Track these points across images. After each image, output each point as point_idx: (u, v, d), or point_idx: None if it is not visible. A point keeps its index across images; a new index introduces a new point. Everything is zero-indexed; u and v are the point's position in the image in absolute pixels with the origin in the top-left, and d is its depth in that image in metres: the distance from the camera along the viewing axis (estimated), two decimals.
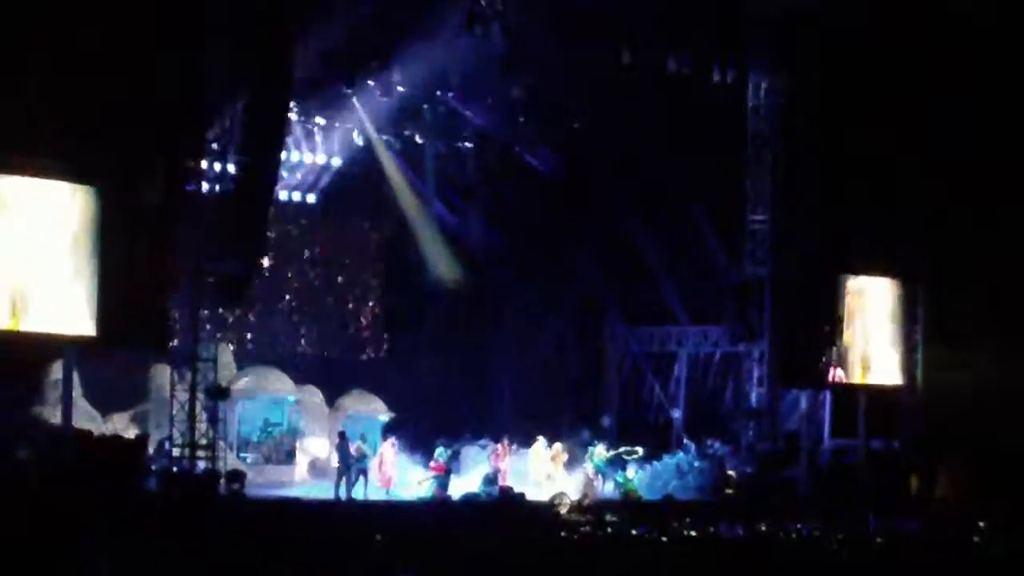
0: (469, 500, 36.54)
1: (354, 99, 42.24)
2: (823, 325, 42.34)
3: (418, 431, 40.73)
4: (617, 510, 35.28)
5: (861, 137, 41.25)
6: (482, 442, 41.30)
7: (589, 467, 40.25)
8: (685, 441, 43.86)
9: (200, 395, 34.82)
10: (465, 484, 38.20)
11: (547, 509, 35.73)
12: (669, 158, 43.69)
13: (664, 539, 29.58)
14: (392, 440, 39.24)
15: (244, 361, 41.46)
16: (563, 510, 35.43)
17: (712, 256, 44.56)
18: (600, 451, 40.49)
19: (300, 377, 42.22)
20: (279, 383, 41.50)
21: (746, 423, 43.35)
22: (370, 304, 47.12)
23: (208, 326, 35.53)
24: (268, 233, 40.27)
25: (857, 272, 43.10)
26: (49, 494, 30.33)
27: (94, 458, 32.45)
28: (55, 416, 34.55)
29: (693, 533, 31.18)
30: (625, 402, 47.33)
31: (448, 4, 39.46)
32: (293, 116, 40.06)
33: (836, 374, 42.50)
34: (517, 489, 37.27)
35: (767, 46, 42.07)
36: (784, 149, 42.39)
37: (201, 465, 34.62)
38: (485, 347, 46.20)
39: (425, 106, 43.68)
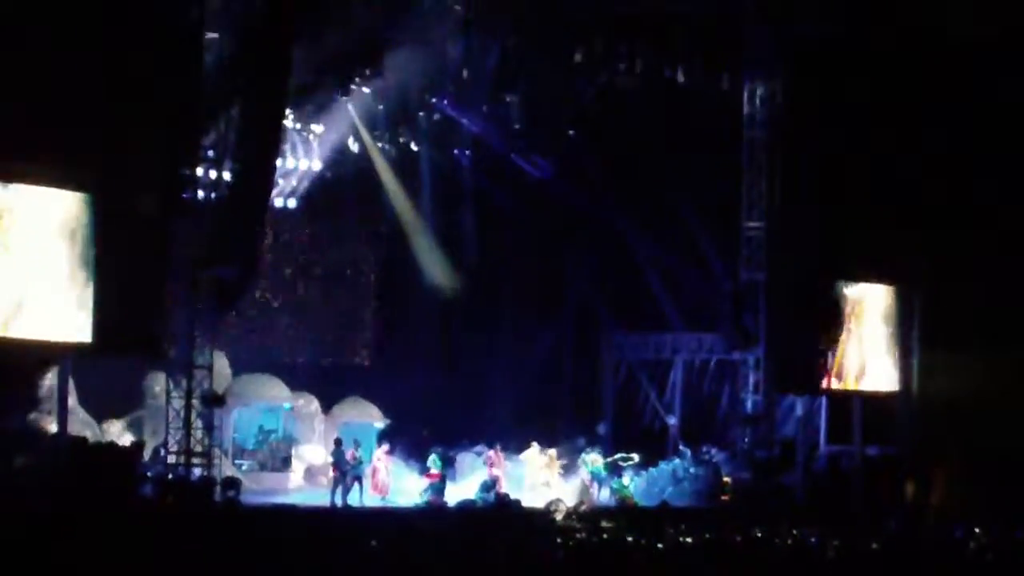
0: (465, 507, 36.55)
1: (348, 105, 42.28)
2: (819, 332, 42.34)
3: (413, 438, 40.74)
4: (613, 517, 35.26)
5: (857, 143, 41.25)
6: (477, 449, 41.33)
7: (585, 474, 40.25)
8: (681, 447, 43.83)
9: (196, 402, 34.82)
10: (461, 491, 38.20)
11: (543, 515, 35.71)
12: (665, 164, 43.72)
13: (660, 546, 29.50)
14: (385, 447, 39.26)
15: (240, 368, 41.43)
16: (559, 516, 35.42)
17: (708, 262, 44.53)
18: (594, 458, 40.48)
19: (295, 384, 42.27)
20: (275, 390, 41.55)
21: (742, 429, 43.36)
22: (365, 311, 47.11)
23: (204, 333, 35.41)
24: (264, 240, 40.33)
25: (853, 278, 43.11)
26: (45, 501, 30.33)
27: (90, 465, 32.45)
28: (51, 423, 34.53)
29: (689, 540, 31.12)
30: (621, 409, 47.29)
31: (442, 11, 39.51)
32: (288, 123, 40.04)
33: (831, 380, 42.52)
34: (513, 495, 37.28)
35: (763, 51, 42.10)
36: (780, 155, 42.39)
37: (197, 472, 34.62)
38: (481, 354, 46.18)
39: (420, 113, 43.70)
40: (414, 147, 44.55)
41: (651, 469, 42.17)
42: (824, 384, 42.42)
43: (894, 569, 28.21)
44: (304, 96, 39.95)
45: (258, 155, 35.67)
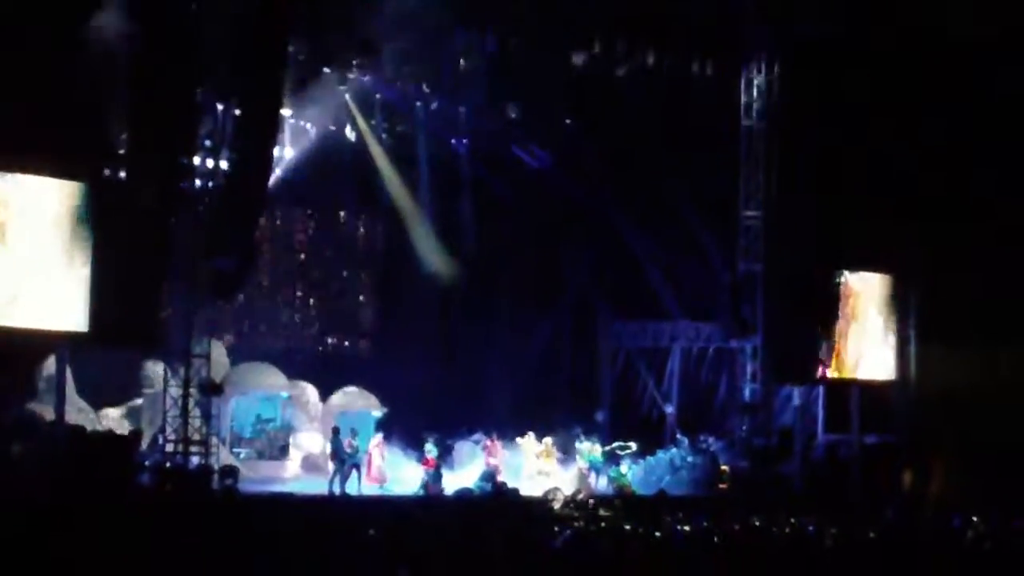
0: (463, 495, 36.56)
1: (346, 95, 42.25)
2: (816, 321, 42.38)
3: (411, 427, 40.75)
4: (611, 505, 35.29)
5: (855, 133, 41.25)
6: (475, 437, 41.34)
7: (582, 462, 40.28)
8: (678, 436, 43.84)
9: (193, 391, 34.80)
10: (459, 479, 38.23)
11: (540, 504, 35.74)
12: (662, 154, 43.68)
13: (658, 534, 29.51)
14: (381, 436, 39.29)
15: (237, 357, 41.43)
16: (556, 505, 35.43)
17: (705, 251, 44.52)
18: (591, 446, 40.51)
19: (293, 373, 42.28)
20: (272, 379, 41.56)
21: (740, 418, 43.39)
22: (363, 300, 47.11)
23: (201, 322, 35.41)
24: (260, 229, 40.33)
25: (851, 268, 43.18)
26: (42, 490, 30.34)
27: (87, 453, 32.45)
28: (48, 411, 34.55)
29: (687, 528, 31.14)
30: (619, 397, 47.32)
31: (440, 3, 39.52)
32: (286, 112, 40.00)
33: (829, 369, 42.57)
34: (511, 484, 37.30)
35: (760, 41, 42.09)
36: (777, 145, 42.39)
37: (194, 460, 34.62)
38: (478, 343, 46.18)
39: (418, 103, 43.65)
40: (411, 136, 44.48)
41: (649, 458, 42.23)
42: (821, 373, 42.47)
43: (892, 558, 28.22)
44: (301, 85, 39.89)
45: (256, 145, 35.64)
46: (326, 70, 40.21)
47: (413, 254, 45.25)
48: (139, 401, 39.17)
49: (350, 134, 43.60)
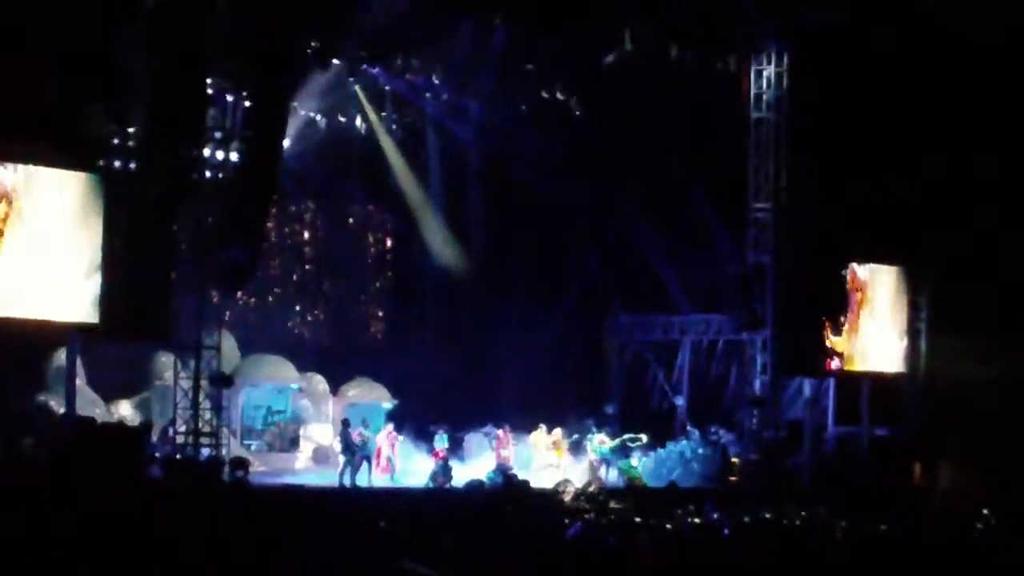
0: (473, 487, 36.55)
1: (356, 87, 42.27)
2: (827, 313, 42.33)
3: (421, 419, 40.77)
4: (621, 497, 35.29)
5: (865, 123, 41.17)
6: (485, 429, 41.36)
7: (592, 454, 40.28)
8: (689, 428, 43.83)
9: (204, 382, 34.79)
10: (469, 471, 38.23)
11: (551, 496, 35.74)
12: (671, 146, 43.65)
13: (668, 526, 29.52)
14: (390, 427, 39.32)
15: (248, 349, 41.45)
16: (567, 497, 35.43)
17: (715, 244, 44.47)
18: (601, 439, 40.51)
19: (303, 365, 42.31)
20: (283, 371, 41.59)
21: (750, 411, 43.32)
22: (373, 292, 47.14)
23: (212, 314, 35.42)
24: (271, 220, 40.35)
25: (861, 259, 43.13)
26: (53, 481, 30.36)
27: (97, 445, 32.46)
28: (59, 403, 34.58)
29: (697, 520, 31.14)
30: (629, 389, 47.32)
31: None
32: (296, 103, 40.00)
33: (839, 362, 42.54)
34: (521, 476, 37.30)
35: (770, 31, 42.03)
36: (787, 136, 42.33)
37: (205, 452, 34.61)
38: (488, 335, 46.19)
39: (427, 94, 43.64)
40: (421, 127, 44.48)
41: (659, 450, 42.24)
42: (831, 365, 42.44)
43: (901, 551, 28.21)
44: (311, 77, 39.90)
45: (266, 136, 35.63)
46: (336, 62, 40.19)
47: (423, 246, 45.28)
48: (149, 393, 39.20)
49: (360, 126, 43.61)
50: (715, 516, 30.83)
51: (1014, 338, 41.92)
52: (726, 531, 28.39)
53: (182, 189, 34.30)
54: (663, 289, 46.38)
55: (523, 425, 40.82)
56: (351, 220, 46.46)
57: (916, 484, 42.00)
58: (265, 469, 38.10)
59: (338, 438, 38.19)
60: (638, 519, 29.88)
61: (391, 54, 40.97)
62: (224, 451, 34.96)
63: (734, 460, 41.72)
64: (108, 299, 32.74)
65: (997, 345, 41.92)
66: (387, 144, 44.10)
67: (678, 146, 43.53)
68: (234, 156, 35.40)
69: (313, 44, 38.43)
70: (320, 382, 42.47)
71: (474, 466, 39.13)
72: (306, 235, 45.74)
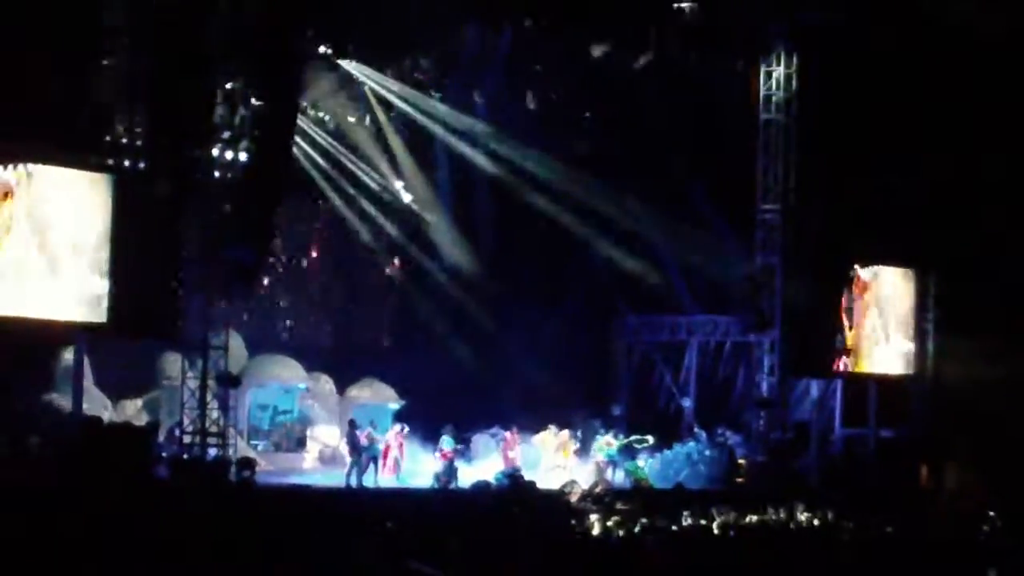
0: (480, 488, 36.54)
1: (365, 87, 42.29)
2: (834, 314, 42.32)
3: (428, 420, 40.76)
4: (628, 499, 35.28)
5: (873, 125, 41.15)
6: (492, 431, 41.36)
7: (599, 456, 40.27)
8: (696, 430, 43.85)
9: (211, 383, 34.79)
10: (476, 472, 38.22)
11: (558, 497, 35.73)
12: (680, 147, 43.64)
13: (675, 528, 29.57)
14: (399, 427, 39.32)
15: (255, 349, 41.46)
16: (573, 498, 35.41)
17: (722, 245, 44.45)
18: (608, 440, 40.50)
19: (311, 365, 42.28)
20: (290, 371, 41.57)
21: (757, 412, 43.33)
22: (381, 292, 47.13)
23: (219, 313, 35.42)
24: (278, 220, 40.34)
25: (869, 261, 43.11)
26: (59, 480, 30.38)
27: (104, 445, 32.46)
28: (66, 403, 34.59)
29: (703, 521, 31.17)
30: (635, 391, 47.31)
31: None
32: (304, 103, 40.01)
33: (846, 363, 42.52)
34: (529, 477, 37.29)
35: (779, 33, 42.03)
36: (795, 137, 42.33)
37: (212, 452, 34.62)
38: (496, 335, 46.14)
39: (436, 94, 43.65)
40: (429, 128, 44.49)
41: (666, 451, 42.21)
42: (839, 367, 42.42)
43: (908, 552, 28.23)
44: (319, 77, 39.93)
45: (274, 136, 35.64)
46: (344, 62, 40.19)
47: (431, 247, 45.27)
48: (157, 393, 39.20)
49: (368, 126, 43.62)
50: (722, 517, 30.88)
51: (1021, 339, 41.88)
52: (732, 532, 28.44)
53: (188, 189, 34.30)
54: (671, 290, 46.32)
55: (530, 426, 40.81)
56: (359, 220, 46.39)
57: (922, 485, 41.98)
58: (272, 469, 38.06)
59: (345, 439, 38.18)
60: (645, 520, 29.92)
61: (400, 55, 40.98)
62: (231, 451, 34.94)
63: (741, 461, 41.71)
64: (115, 298, 32.71)
65: (1004, 346, 41.88)
66: (395, 144, 44.11)
67: (686, 147, 43.53)
68: (243, 156, 35.41)
69: (322, 45, 38.47)
70: (327, 382, 42.48)
71: (481, 467, 39.11)
72: (314, 234, 45.72)
